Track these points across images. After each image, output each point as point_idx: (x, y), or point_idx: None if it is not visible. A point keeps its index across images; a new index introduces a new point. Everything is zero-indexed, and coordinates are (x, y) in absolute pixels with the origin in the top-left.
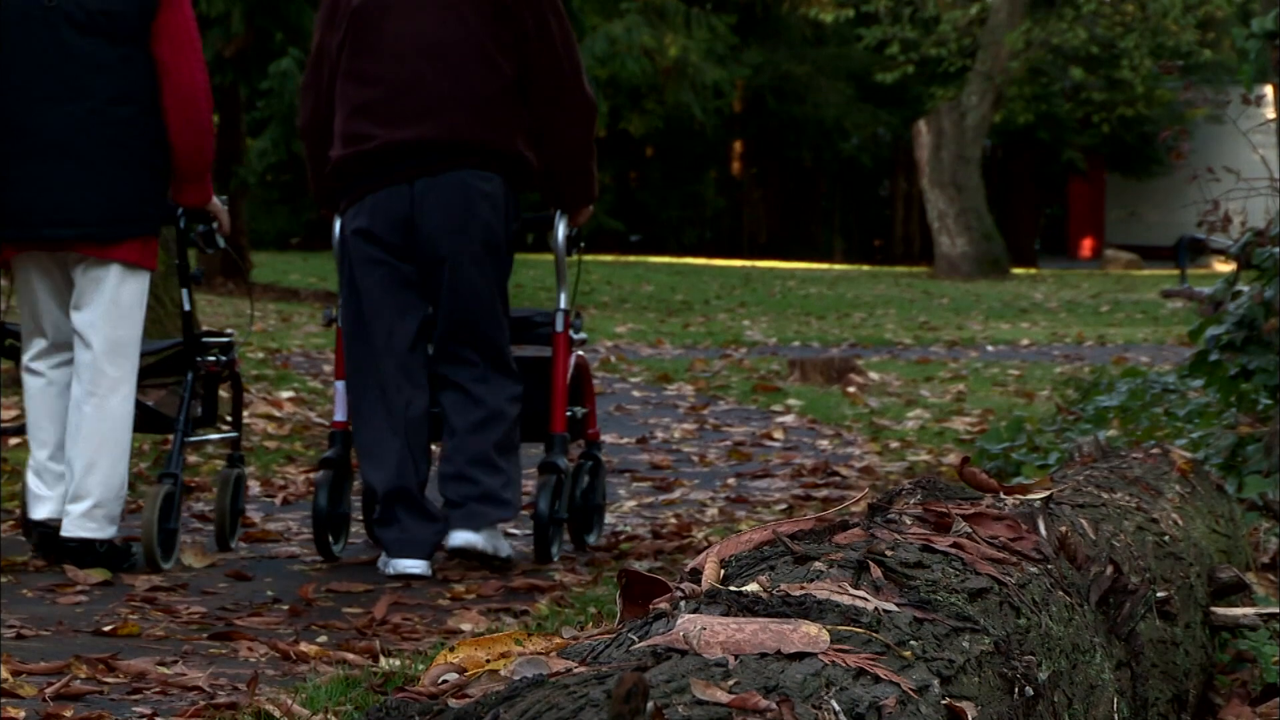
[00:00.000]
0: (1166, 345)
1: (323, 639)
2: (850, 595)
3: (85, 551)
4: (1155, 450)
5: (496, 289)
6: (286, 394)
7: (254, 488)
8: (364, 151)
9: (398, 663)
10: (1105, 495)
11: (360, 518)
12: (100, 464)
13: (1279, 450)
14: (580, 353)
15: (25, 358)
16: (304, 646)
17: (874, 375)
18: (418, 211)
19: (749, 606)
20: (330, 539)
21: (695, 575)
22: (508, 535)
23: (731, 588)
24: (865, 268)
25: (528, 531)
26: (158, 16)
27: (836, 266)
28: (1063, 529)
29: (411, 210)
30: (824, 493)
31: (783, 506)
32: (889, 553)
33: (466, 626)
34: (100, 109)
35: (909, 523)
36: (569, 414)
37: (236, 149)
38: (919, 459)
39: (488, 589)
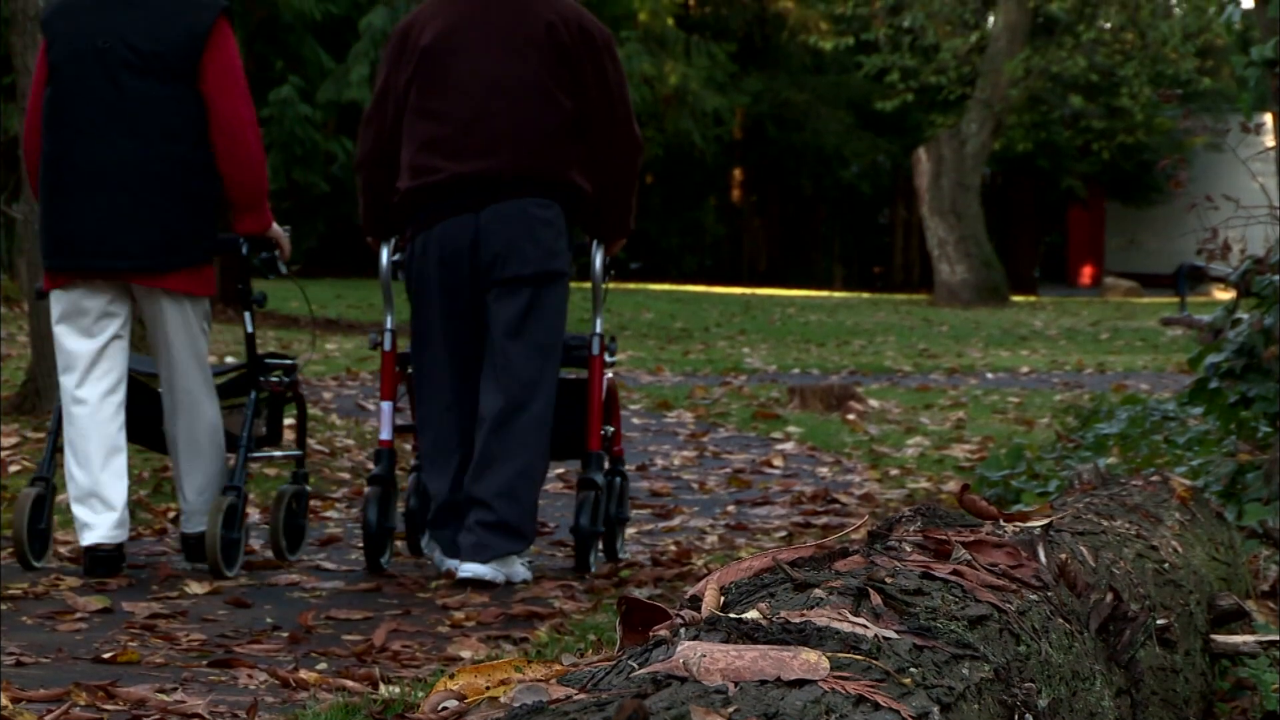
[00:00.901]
0: (1166, 373)
1: (322, 666)
2: (850, 622)
3: (200, 544)
4: (1155, 478)
5: (551, 314)
6: (288, 421)
7: (253, 515)
8: (433, 183)
9: (397, 690)
10: (1105, 522)
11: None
12: (196, 471)
13: (1279, 478)
14: (610, 374)
15: (68, 386)
16: (303, 674)
17: (874, 402)
18: (482, 238)
19: (749, 634)
20: (379, 553)
21: (695, 602)
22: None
23: (731, 615)
24: (865, 295)
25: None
26: (204, 56)
27: (836, 294)
28: (1062, 556)
29: (477, 236)
30: (824, 520)
31: (782, 534)
32: (889, 580)
33: (466, 654)
34: (152, 145)
35: (909, 550)
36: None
37: None
38: (919, 486)
39: (487, 616)
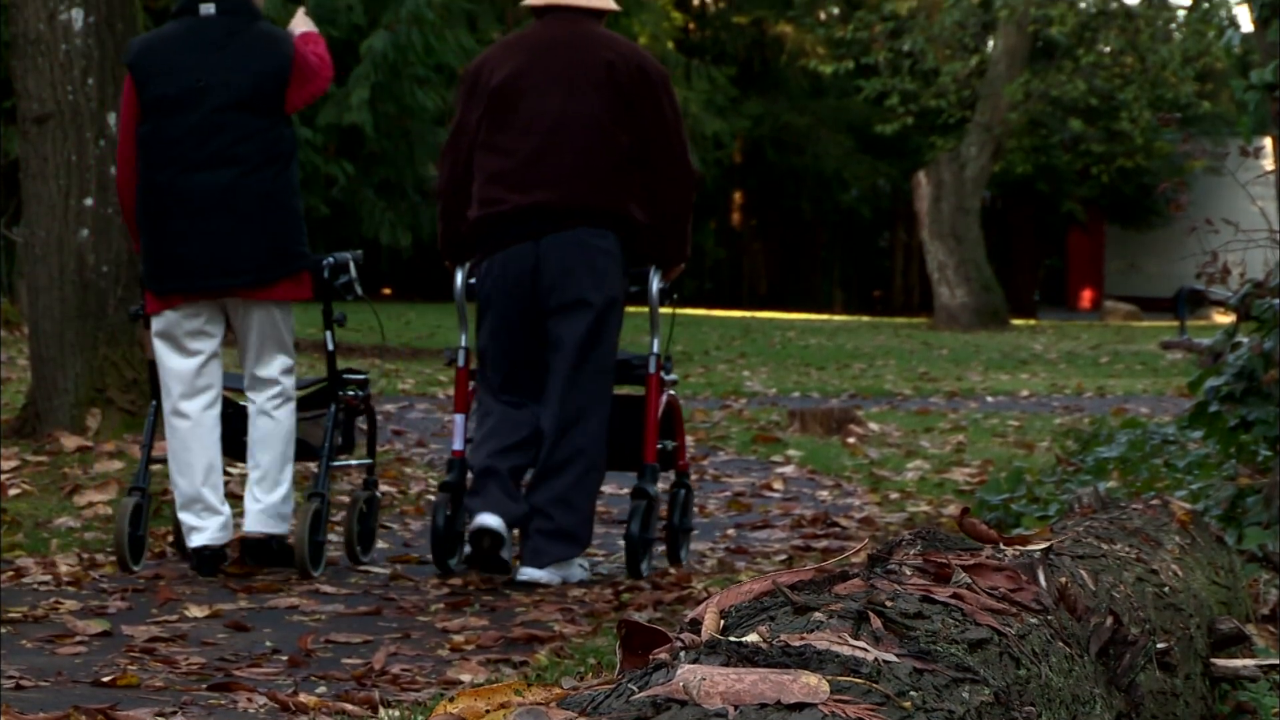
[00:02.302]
0: (1166, 396)
1: (322, 690)
2: (850, 646)
3: (264, 546)
4: (1155, 501)
5: (607, 335)
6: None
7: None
8: (498, 212)
9: (397, 714)
10: (1105, 546)
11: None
12: (274, 470)
13: (1279, 502)
14: (671, 392)
15: (170, 402)
16: (303, 697)
17: (874, 426)
18: (543, 263)
19: (749, 657)
20: (447, 556)
21: (695, 626)
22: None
23: (731, 638)
24: (865, 318)
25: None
26: (289, 90)
27: (836, 317)
28: (1063, 580)
29: (537, 262)
30: (824, 543)
31: (782, 557)
32: (889, 603)
33: (466, 677)
34: (249, 172)
35: (909, 573)
36: (660, 447)
37: None
38: (919, 510)
39: (487, 639)
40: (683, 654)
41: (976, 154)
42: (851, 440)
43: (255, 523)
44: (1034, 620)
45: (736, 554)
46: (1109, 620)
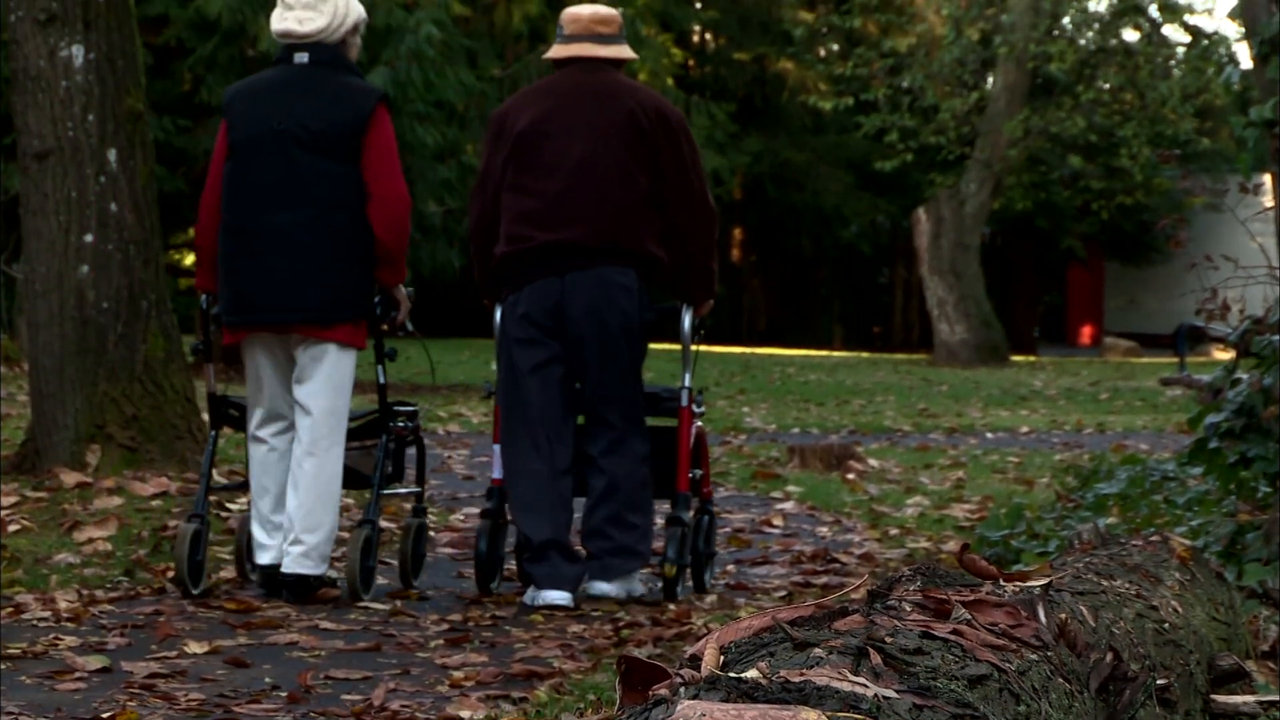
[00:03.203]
0: (1166, 433)
1: None
2: (850, 682)
3: (302, 585)
4: (1155, 537)
5: (630, 364)
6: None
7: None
8: (525, 249)
9: None
10: (1105, 582)
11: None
12: (315, 512)
13: (1279, 538)
14: (699, 423)
15: (250, 427)
16: None
17: (873, 462)
18: (567, 299)
19: (748, 693)
20: (489, 579)
21: (695, 662)
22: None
23: (731, 674)
24: (865, 355)
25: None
26: (366, 137)
27: (836, 353)
28: (1062, 616)
29: (562, 298)
30: (823, 579)
31: (782, 593)
32: (888, 639)
33: (466, 714)
34: (321, 214)
35: (909, 609)
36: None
37: None
38: (918, 546)
39: (486, 676)
40: (682, 690)
41: (976, 190)
42: (851, 476)
43: (296, 564)
44: (1034, 656)
45: (736, 590)
46: (1109, 656)
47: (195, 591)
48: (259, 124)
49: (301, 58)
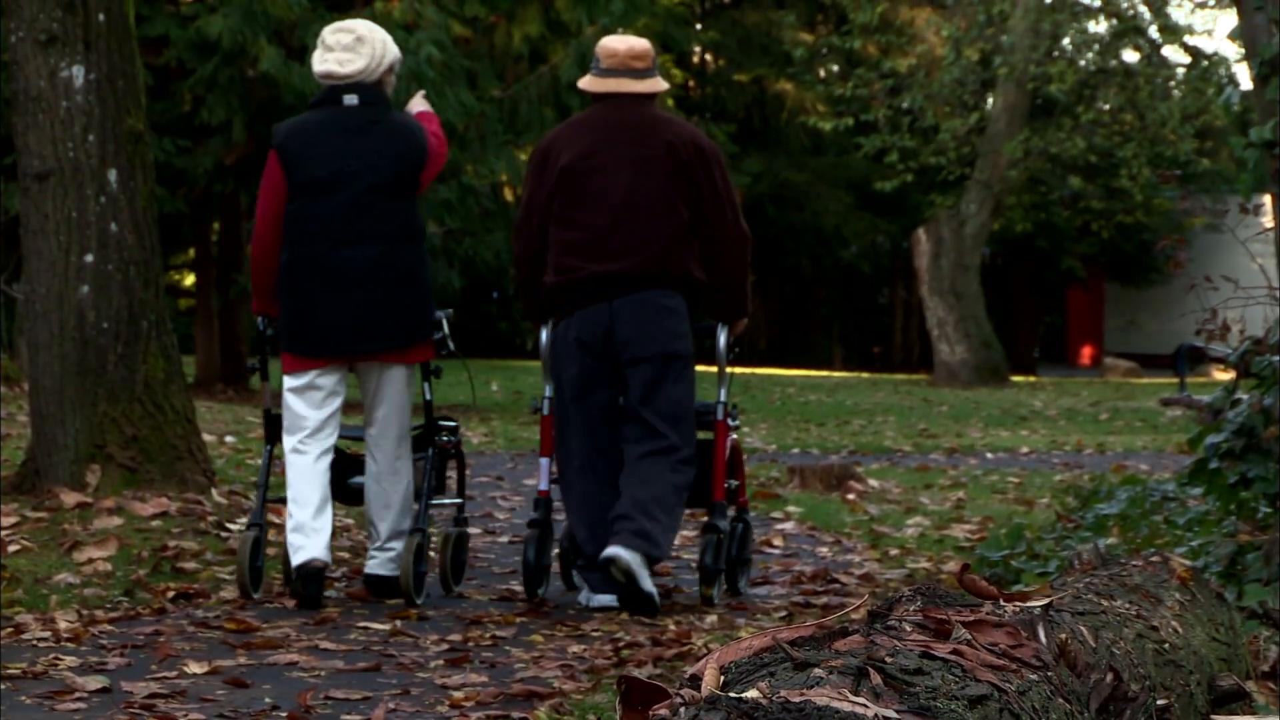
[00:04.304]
0: (1166, 453)
1: None
2: (850, 702)
3: (385, 585)
4: (1155, 558)
5: (677, 381)
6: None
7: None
8: (574, 279)
9: None
10: (1105, 603)
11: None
12: (402, 522)
13: (1279, 558)
14: (734, 436)
15: (293, 441)
16: None
17: (873, 482)
18: (615, 323)
19: (749, 713)
20: (536, 586)
21: (695, 682)
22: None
23: (731, 694)
24: (865, 375)
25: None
26: (423, 173)
27: (836, 374)
28: (1062, 636)
29: (611, 322)
30: (824, 600)
31: (782, 613)
32: (889, 659)
33: None
34: (389, 248)
35: (909, 629)
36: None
37: (237, 256)
38: (919, 566)
39: (486, 696)
40: (682, 710)
41: (976, 211)
42: (851, 497)
43: (382, 568)
44: (1034, 677)
45: (736, 610)
46: (1109, 677)
47: (255, 596)
48: (324, 166)
49: (351, 99)
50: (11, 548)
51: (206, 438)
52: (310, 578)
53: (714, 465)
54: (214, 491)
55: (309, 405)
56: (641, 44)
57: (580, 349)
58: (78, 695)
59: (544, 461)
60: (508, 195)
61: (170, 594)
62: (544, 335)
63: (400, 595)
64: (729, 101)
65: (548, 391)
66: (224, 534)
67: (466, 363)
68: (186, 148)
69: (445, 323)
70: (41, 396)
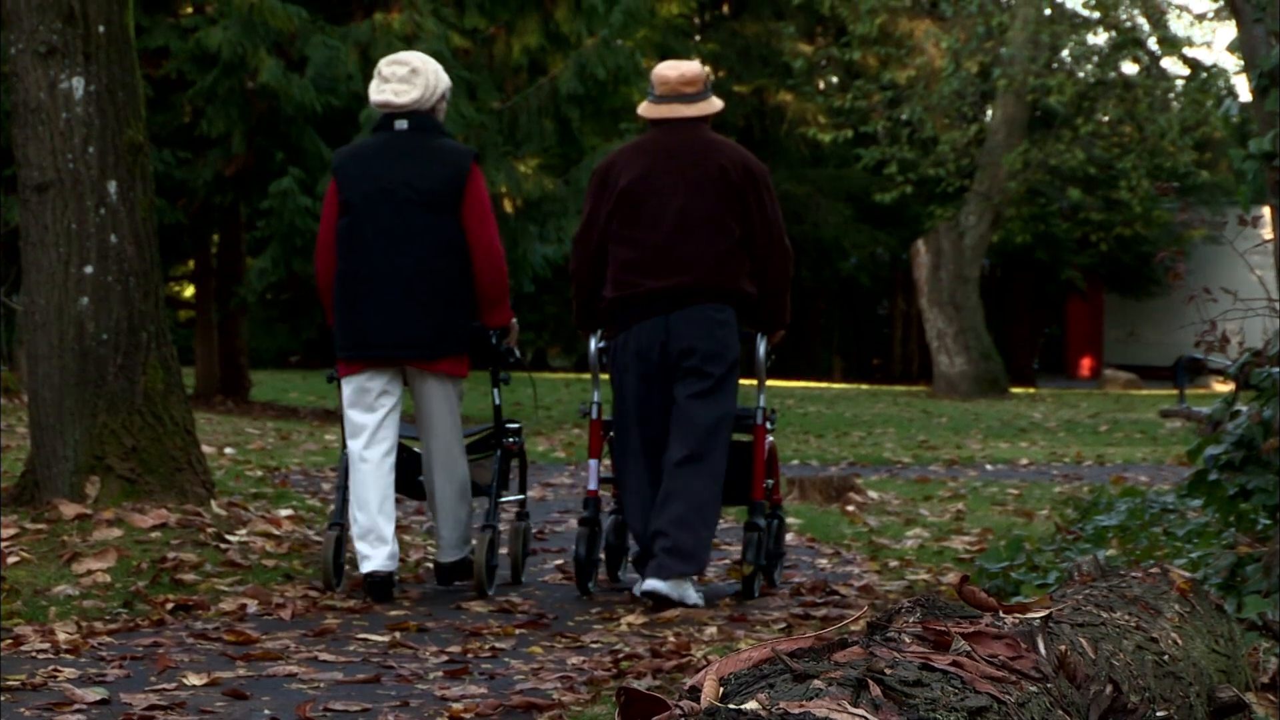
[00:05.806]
0: (1165, 465)
1: None
2: (849, 713)
3: (456, 566)
4: (1154, 569)
5: (722, 389)
6: (285, 512)
7: (251, 606)
8: (633, 294)
9: None
10: (1104, 614)
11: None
12: (450, 515)
13: (1278, 570)
14: (771, 438)
15: (356, 447)
16: None
17: (873, 494)
18: (671, 335)
19: None
20: (587, 580)
21: (694, 693)
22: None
23: (730, 705)
24: (864, 386)
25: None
26: (465, 194)
27: (835, 385)
28: (1062, 648)
29: (667, 335)
30: (823, 611)
31: (782, 625)
32: (888, 671)
33: None
34: (426, 261)
35: (908, 641)
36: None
37: (236, 268)
38: (918, 578)
39: (486, 708)
40: None
41: (975, 223)
42: (851, 508)
43: (445, 555)
44: (1033, 688)
45: (736, 622)
46: (1108, 688)
47: (337, 588)
48: (370, 184)
49: (401, 125)
50: (11, 559)
51: (206, 449)
52: (376, 587)
53: (754, 467)
54: (213, 503)
55: (363, 410)
56: (693, 69)
57: (639, 359)
58: (77, 707)
59: (593, 463)
60: (507, 207)
61: (169, 605)
62: (592, 344)
63: (465, 577)
64: (728, 113)
65: (595, 397)
66: (223, 545)
67: (532, 376)
68: (186, 159)
69: (512, 334)
70: (41, 408)
